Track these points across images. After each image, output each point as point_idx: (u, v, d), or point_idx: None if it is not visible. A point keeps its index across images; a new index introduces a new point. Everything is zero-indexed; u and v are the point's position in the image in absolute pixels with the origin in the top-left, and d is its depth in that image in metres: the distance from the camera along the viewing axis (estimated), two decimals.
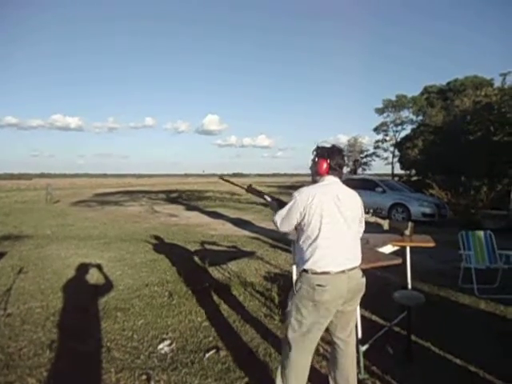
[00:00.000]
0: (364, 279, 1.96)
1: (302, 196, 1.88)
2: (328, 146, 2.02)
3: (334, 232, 1.83)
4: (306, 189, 1.91)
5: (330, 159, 1.95)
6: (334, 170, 1.96)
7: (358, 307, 2.45)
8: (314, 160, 2.03)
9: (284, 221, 1.94)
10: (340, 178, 1.99)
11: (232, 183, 2.85)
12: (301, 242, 1.90)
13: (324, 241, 1.82)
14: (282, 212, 1.94)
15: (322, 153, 1.99)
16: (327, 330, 2.00)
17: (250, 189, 2.54)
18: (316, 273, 1.81)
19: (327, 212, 1.83)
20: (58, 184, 31.27)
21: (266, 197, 2.37)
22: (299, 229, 1.93)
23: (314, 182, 2.02)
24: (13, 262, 5.40)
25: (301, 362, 1.92)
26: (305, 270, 1.85)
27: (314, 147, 2.05)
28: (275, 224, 2.01)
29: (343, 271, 1.81)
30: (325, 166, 1.94)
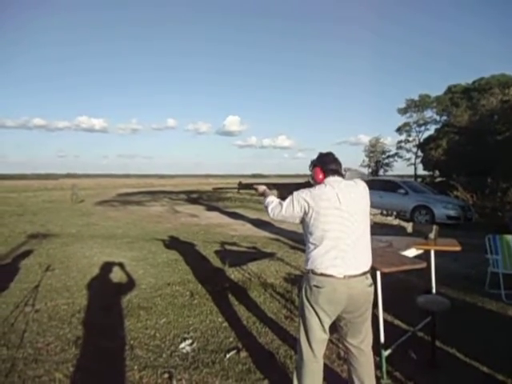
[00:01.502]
0: (372, 288, 1.92)
1: (300, 194, 1.92)
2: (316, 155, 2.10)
3: (336, 234, 1.82)
4: (306, 189, 1.95)
5: (322, 164, 2.00)
6: (330, 171, 1.98)
7: (381, 311, 2.42)
8: (311, 174, 2.08)
9: (280, 208, 1.99)
10: (340, 176, 2.00)
11: (224, 188, 2.90)
12: (306, 242, 1.94)
13: (326, 242, 1.82)
14: (283, 202, 2.00)
15: (314, 163, 2.06)
16: (339, 334, 2.03)
17: (241, 186, 2.58)
18: (315, 273, 1.83)
19: (326, 214, 1.83)
20: (82, 184, 32.07)
21: (256, 186, 2.38)
22: (303, 229, 1.97)
23: None
24: (40, 259, 5.59)
25: (311, 363, 1.93)
26: (307, 270, 1.89)
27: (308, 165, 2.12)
28: (268, 207, 2.06)
29: (344, 277, 1.80)
30: (320, 174, 1.99)
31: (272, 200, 2.10)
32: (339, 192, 1.87)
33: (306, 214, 1.89)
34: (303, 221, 1.94)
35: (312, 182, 2.08)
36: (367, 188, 2.00)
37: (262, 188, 2.35)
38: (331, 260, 1.80)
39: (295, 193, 1.95)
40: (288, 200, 1.97)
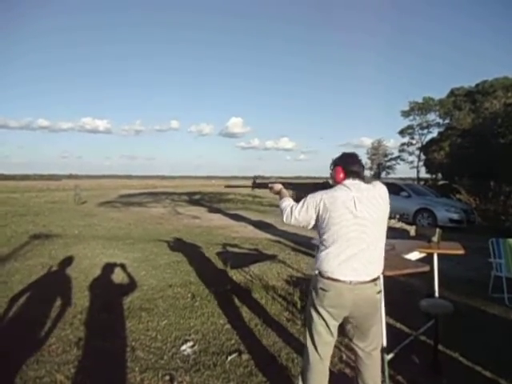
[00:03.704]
0: (380, 295, 1.90)
1: (315, 197, 1.88)
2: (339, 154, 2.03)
3: (348, 239, 1.78)
4: (320, 192, 1.90)
5: (344, 164, 1.92)
6: (352, 172, 1.90)
7: (383, 314, 2.40)
8: (331, 174, 2.02)
9: (295, 214, 1.94)
10: (361, 179, 1.92)
11: (237, 187, 2.82)
12: (319, 245, 1.92)
13: (336, 247, 1.79)
14: (297, 206, 1.95)
15: (335, 162, 1.99)
16: (347, 336, 2.02)
17: (255, 184, 2.52)
18: (323, 276, 1.83)
19: (340, 217, 1.79)
20: (85, 185, 32.13)
21: (272, 185, 2.30)
22: (317, 229, 1.93)
23: None
24: (43, 260, 5.60)
25: (317, 366, 1.91)
26: (315, 273, 1.89)
27: (330, 163, 2.04)
28: (284, 213, 2.00)
29: (350, 282, 1.77)
30: (341, 174, 1.91)
31: (288, 204, 2.03)
32: (356, 196, 1.81)
33: (319, 216, 1.85)
34: (317, 223, 1.89)
35: (331, 181, 2.03)
36: (387, 192, 1.92)
37: (278, 187, 2.28)
38: (340, 264, 1.78)
39: (309, 196, 1.90)
40: (301, 203, 1.92)
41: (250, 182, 2.65)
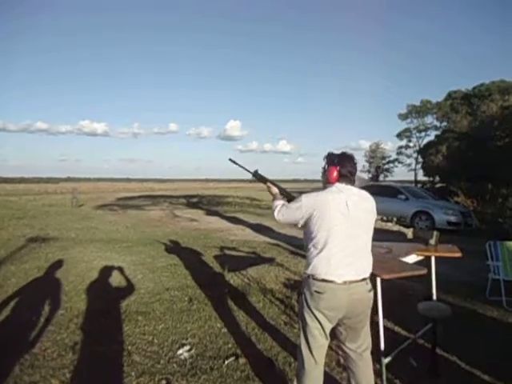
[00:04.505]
0: (371, 293, 1.91)
1: (309, 199, 1.88)
2: (337, 153, 2.00)
3: (340, 241, 1.79)
4: (314, 193, 1.91)
5: (340, 166, 1.91)
6: (345, 176, 1.91)
7: (381, 317, 2.40)
8: (324, 168, 2.00)
9: (287, 212, 1.96)
10: (352, 184, 1.94)
11: (240, 166, 2.83)
12: (307, 247, 1.90)
13: (328, 249, 1.79)
14: (290, 205, 1.97)
15: (331, 160, 1.96)
16: (338, 339, 2.01)
17: (256, 174, 2.52)
18: (316, 279, 1.81)
19: (332, 220, 1.80)
20: (83, 188, 32.09)
21: (270, 185, 2.31)
22: (305, 233, 1.94)
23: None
24: (39, 263, 5.55)
25: (313, 370, 1.91)
26: (307, 276, 1.87)
27: (325, 155, 2.03)
28: (275, 210, 2.04)
29: (344, 282, 1.78)
30: (335, 173, 1.90)
31: (280, 203, 2.06)
32: (348, 199, 1.83)
33: (311, 217, 1.84)
34: (306, 224, 1.89)
35: (322, 179, 2.01)
36: (374, 203, 1.98)
37: (274, 190, 2.28)
38: (333, 266, 1.78)
39: (303, 195, 1.91)
40: (295, 201, 1.94)
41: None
